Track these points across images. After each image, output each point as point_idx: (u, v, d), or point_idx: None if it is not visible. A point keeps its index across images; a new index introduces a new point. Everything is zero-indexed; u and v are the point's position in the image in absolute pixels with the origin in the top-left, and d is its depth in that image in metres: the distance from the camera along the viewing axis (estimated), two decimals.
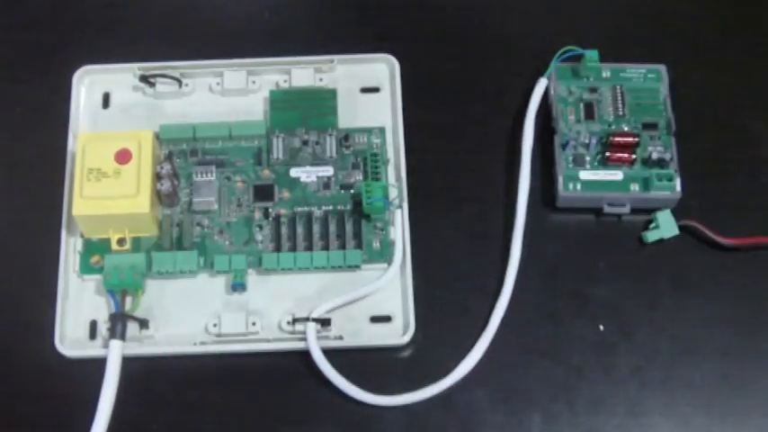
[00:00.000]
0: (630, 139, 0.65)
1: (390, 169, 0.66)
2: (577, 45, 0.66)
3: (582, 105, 0.66)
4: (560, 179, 0.64)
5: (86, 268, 0.63)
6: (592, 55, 0.66)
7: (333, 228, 0.64)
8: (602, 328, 0.63)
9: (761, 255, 0.64)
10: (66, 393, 0.61)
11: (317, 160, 0.66)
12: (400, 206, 0.64)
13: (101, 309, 0.63)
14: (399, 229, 0.64)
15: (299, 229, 0.64)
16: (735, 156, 0.66)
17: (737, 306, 0.63)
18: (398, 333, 0.62)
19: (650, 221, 0.64)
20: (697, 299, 0.63)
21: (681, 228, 0.64)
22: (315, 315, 0.62)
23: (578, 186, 0.64)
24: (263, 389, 0.61)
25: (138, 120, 0.67)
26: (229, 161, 0.66)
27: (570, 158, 0.65)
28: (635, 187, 0.64)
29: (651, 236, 0.64)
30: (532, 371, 0.62)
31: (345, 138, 0.66)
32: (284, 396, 0.61)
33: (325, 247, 0.64)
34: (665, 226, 0.64)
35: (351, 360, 0.61)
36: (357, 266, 0.63)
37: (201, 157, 0.66)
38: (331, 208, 0.65)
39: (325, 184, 0.65)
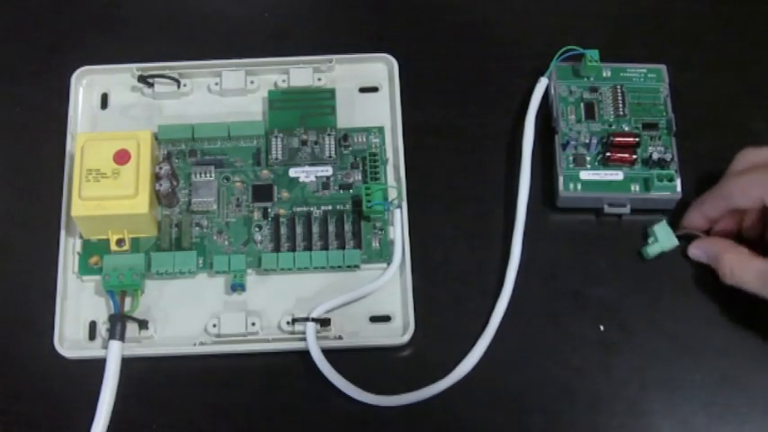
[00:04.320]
0: (631, 140, 0.64)
1: (389, 169, 0.66)
2: (578, 44, 0.66)
3: (582, 105, 0.66)
4: (561, 179, 0.64)
5: (85, 269, 0.63)
6: (592, 54, 0.66)
7: (332, 228, 0.64)
8: (602, 328, 0.63)
9: None
10: (66, 394, 0.61)
11: (316, 160, 0.66)
12: (399, 206, 0.64)
13: (100, 309, 0.63)
14: (399, 229, 0.64)
15: (299, 230, 0.64)
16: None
17: (737, 306, 0.63)
18: (398, 333, 0.62)
19: (647, 236, 0.64)
20: (697, 299, 0.63)
21: (679, 237, 0.63)
22: (314, 315, 0.61)
23: (579, 186, 0.64)
24: (263, 389, 0.61)
25: (136, 120, 0.67)
26: (228, 161, 0.66)
27: (571, 158, 0.65)
28: (635, 187, 0.64)
29: (652, 251, 0.63)
30: (532, 371, 0.62)
31: (344, 137, 0.66)
32: (284, 396, 0.61)
33: (325, 247, 0.64)
34: (664, 238, 0.63)
35: (351, 360, 0.61)
36: (356, 266, 0.63)
37: (200, 158, 0.66)
38: (330, 208, 0.65)
39: (324, 183, 0.65)
